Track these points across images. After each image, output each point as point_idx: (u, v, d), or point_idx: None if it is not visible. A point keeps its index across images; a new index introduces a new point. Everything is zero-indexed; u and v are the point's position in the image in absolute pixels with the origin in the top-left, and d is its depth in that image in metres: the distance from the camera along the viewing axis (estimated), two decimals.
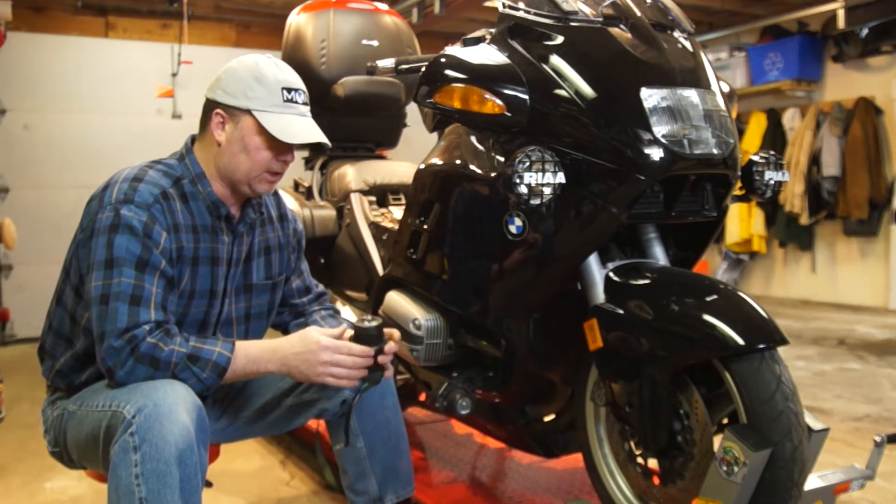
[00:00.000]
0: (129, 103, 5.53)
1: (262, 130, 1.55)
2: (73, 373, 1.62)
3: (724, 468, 1.36)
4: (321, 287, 1.95)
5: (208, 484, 1.86)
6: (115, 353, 1.44)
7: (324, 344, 1.53)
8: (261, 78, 1.57)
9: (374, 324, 1.56)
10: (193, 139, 1.67)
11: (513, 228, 1.65)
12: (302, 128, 1.59)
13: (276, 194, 1.85)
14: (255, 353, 1.54)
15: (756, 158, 1.73)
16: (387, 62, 1.96)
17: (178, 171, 1.61)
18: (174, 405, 1.38)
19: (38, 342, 1.69)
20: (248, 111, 1.56)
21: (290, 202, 2.75)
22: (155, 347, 1.45)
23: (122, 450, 1.38)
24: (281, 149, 1.59)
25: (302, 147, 1.67)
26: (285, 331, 1.88)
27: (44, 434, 1.69)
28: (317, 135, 1.61)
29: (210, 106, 1.60)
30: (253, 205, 1.70)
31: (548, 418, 1.98)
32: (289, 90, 1.58)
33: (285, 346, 1.55)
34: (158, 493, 1.35)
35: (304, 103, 1.62)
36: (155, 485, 1.35)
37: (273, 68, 1.59)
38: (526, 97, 1.64)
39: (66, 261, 1.62)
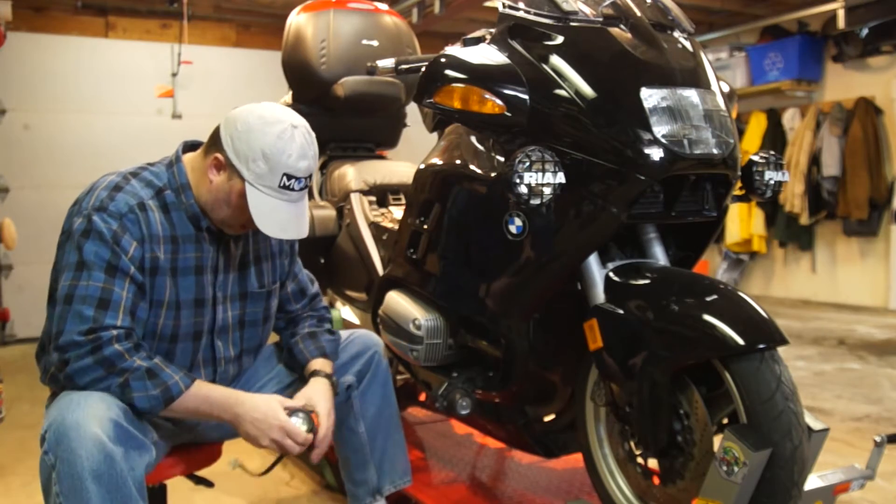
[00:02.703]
0: (129, 103, 5.53)
1: (243, 191, 1.55)
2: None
3: (724, 468, 1.35)
4: (315, 286, 1.96)
5: (209, 484, 1.86)
6: (75, 346, 1.44)
7: (281, 425, 1.56)
8: (269, 156, 1.54)
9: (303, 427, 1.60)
10: (186, 146, 1.67)
11: (513, 228, 1.65)
12: (283, 221, 1.57)
13: None
14: (214, 396, 1.55)
15: (756, 158, 1.73)
16: (387, 62, 1.96)
17: (162, 179, 1.61)
18: (82, 419, 1.37)
19: (38, 345, 1.68)
20: (243, 178, 1.55)
21: None
22: (119, 356, 1.45)
23: (43, 469, 1.39)
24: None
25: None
26: (277, 330, 1.90)
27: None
28: (294, 230, 1.61)
29: (215, 142, 1.59)
30: None
31: (548, 418, 1.98)
32: (290, 177, 1.56)
33: (247, 405, 1.56)
34: None
35: (302, 189, 1.60)
36: (74, 501, 1.34)
37: (286, 149, 1.56)
38: (526, 97, 1.64)
39: (55, 265, 1.63)
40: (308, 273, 1.96)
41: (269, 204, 1.55)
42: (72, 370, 1.44)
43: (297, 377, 1.83)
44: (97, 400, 1.42)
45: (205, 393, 1.54)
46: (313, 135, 1.65)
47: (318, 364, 1.78)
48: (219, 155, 1.57)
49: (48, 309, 1.61)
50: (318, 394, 1.69)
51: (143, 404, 1.47)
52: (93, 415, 1.38)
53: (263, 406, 1.57)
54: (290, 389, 1.81)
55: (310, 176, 1.63)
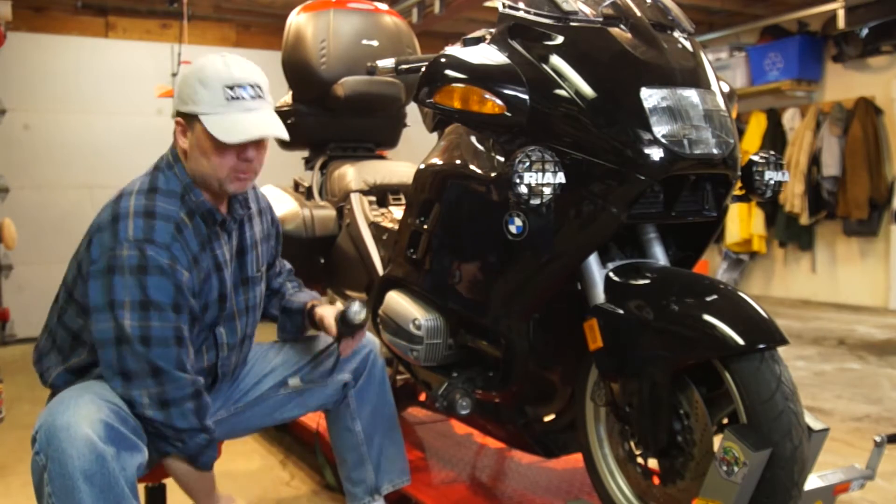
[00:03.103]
0: (129, 103, 5.53)
1: (210, 133, 1.53)
2: (66, 385, 1.61)
3: (724, 468, 1.35)
4: (287, 263, 2.04)
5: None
6: (177, 389, 1.50)
7: None
8: (203, 80, 1.54)
9: (360, 317, 1.78)
10: (175, 156, 1.66)
11: (513, 228, 1.65)
12: (247, 125, 1.53)
13: (253, 188, 1.84)
14: (205, 482, 1.65)
15: (756, 158, 1.73)
16: (387, 62, 1.96)
17: (176, 187, 1.60)
18: (72, 420, 1.38)
19: (35, 350, 1.69)
20: (197, 116, 1.54)
21: (290, 202, 2.75)
22: (206, 414, 1.55)
23: (34, 469, 1.40)
24: (236, 148, 1.55)
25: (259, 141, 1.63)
26: (264, 313, 1.93)
27: None
28: (263, 129, 1.55)
29: (174, 115, 1.61)
30: (239, 200, 1.70)
31: (548, 418, 1.98)
32: (232, 87, 1.53)
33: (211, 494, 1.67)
34: None
35: (255, 97, 1.56)
36: (66, 501, 1.35)
37: (218, 66, 1.55)
38: (526, 97, 1.64)
39: (68, 280, 1.61)
40: None
41: (226, 120, 1.52)
42: (167, 403, 1.50)
43: (301, 364, 1.85)
44: (88, 401, 1.43)
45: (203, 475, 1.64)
46: (247, 61, 1.62)
47: (312, 303, 1.90)
48: (178, 119, 1.58)
49: (57, 328, 1.62)
50: (325, 313, 1.83)
51: (202, 458, 1.59)
52: (84, 415, 1.39)
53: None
54: (297, 376, 1.84)
55: (258, 86, 1.57)
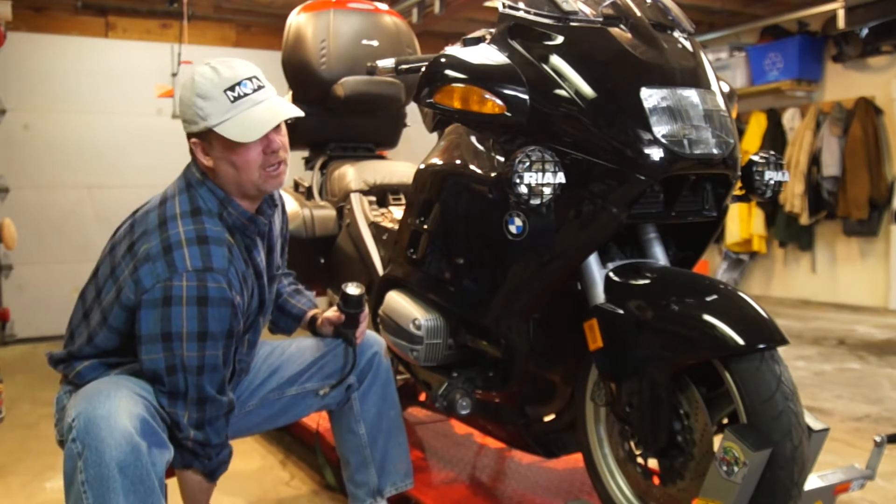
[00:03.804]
0: (129, 103, 5.53)
1: (230, 140, 1.53)
2: (94, 374, 1.61)
3: (724, 468, 1.35)
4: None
5: None
6: (215, 410, 1.55)
7: None
8: (202, 93, 1.53)
9: (357, 291, 1.85)
10: (200, 175, 1.63)
11: (513, 228, 1.65)
12: (262, 117, 1.54)
13: None
14: (207, 494, 1.69)
15: (756, 158, 1.73)
16: (387, 62, 1.96)
17: (213, 206, 1.59)
18: (112, 410, 1.40)
19: (51, 359, 1.69)
20: (210, 130, 1.53)
21: (290, 202, 2.75)
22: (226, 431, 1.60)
23: (68, 456, 1.40)
24: (260, 144, 1.56)
25: (283, 125, 1.63)
26: None
27: (56, 423, 1.69)
28: (278, 114, 1.56)
29: (188, 138, 1.60)
30: (266, 200, 1.70)
31: (548, 418, 1.98)
32: (232, 88, 1.53)
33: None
34: (104, 499, 1.37)
35: (258, 88, 1.56)
36: (99, 490, 1.36)
37: (209, 76, 1.54)
38: (526, 97, 1.64)
39: (104, 304, 1.58)
40: None
41: (239, 122, 1.52)
42: (206, 431, 1.56)
43: (310, 365, 1.87)
44: (127, 394, 1.45)
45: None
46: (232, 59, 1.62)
47: (312, 313, 1.96)
48: (192, 140, 1.58)
49: (78, 342, 1.62)
50: (327, 316, 1.89)
51: (217, 472, 1.64)
52: (123, 407, 1.41)
53: None
54: (301, 378, 1.85)
55: (254, 77, 1.57)
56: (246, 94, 1.53)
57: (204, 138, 1.56)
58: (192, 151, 1.61)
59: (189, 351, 1.49)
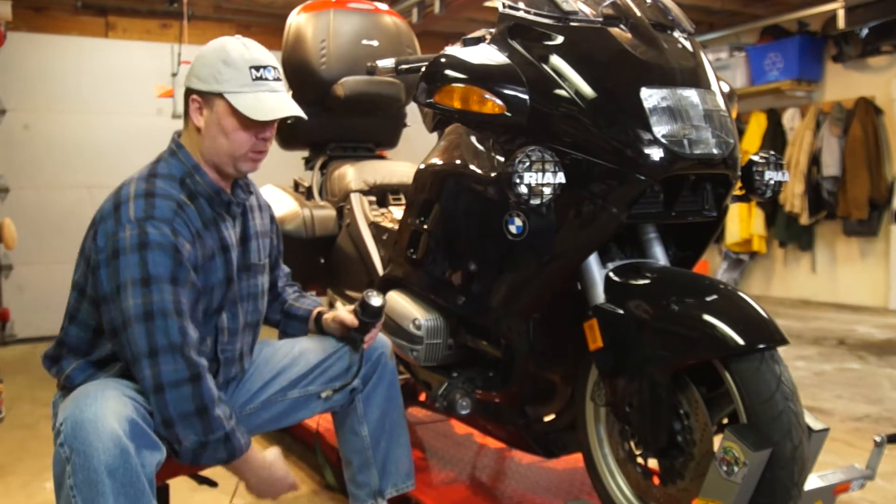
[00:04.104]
0: (129, 103, 5.52)
1: (236, 112, 1.56)
2: (84, 375, 1.61)
3: (724, 468, 1.35)
4: (285, 267, 2.03)
5: (212, 483, 1.86)
6: (173, 372, 1.47)
7: (291, 484, 1.73)
8: (228, 60, 1.57)
9: (378, 302, 1.78)
10: (179, 133, 1.69)
11: (513, 228, 1.65)
12: (273, 104, 1.58)
13: (252, 184, 1.86)
14: (250, 461, 1.64)
15: (756, 158, 1.73)
16: (387, 62, 1.96)
17: (178, 171, 1.61)
18: (99, 413, 1.38)
19: (45, 351, 1.67)
20: (220, 94, 1.57)
21: (290, 202, 2.75)
22: (212, 401, 1.51)
23: (57, 461, 1.39)
24: (257, 127, 1.59)
25: (282, 122, 1.66)
26: (266, 319, 1.93)
27: (52, 428, 1.69)
28: (288, 108, 1.60)
29: (187, 93, 1.63)
30: (241, 185, 1.72)
31: (548, 418, 1.98)
32: (257, 68, 1.58)
33: (261, 470, 1.68)
34: (93, 503, 1.35)
35: (276, 79, 1.61)
36: (88, 495, 1.35)
37: (240, 48, 1.60)
38: (526, 97, 1.64)
39: (77, 280, 1.60)
40: None
41: (251, 98, 1.56)
42: (162, 388, 1.47)
43: (314, 366, 1.86)
44: (114, 396, 1.44)
45: (252, 459, 1.63)
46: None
47: (318, 310, 1.92)
48: (193, 96, 1.60)
49: (70, 328, 1.61)
50: (337, 313, 1.84)
51: (208, 461, 1.57)
52: (111, 410, 1.39)
53: (267, 481, 1.69)
54: (304, 380, 1.84)
55: (276, 67, 1.63)
56: (266, 79, 1.59)
57: (207, 99, 1.59)
58: (185, 109, 1.63)
59: (134, 298, 1.46)
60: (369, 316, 1.80)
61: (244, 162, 1.62)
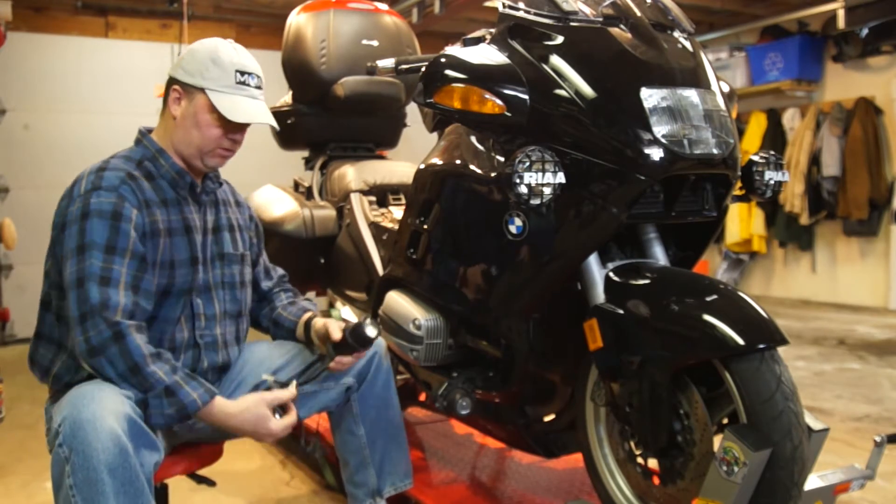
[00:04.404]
0: (129, 103, 5.52)
1: (214, 109, 1.62)
2: (70, 373, 1.62)
3: (724, 468, 1.36)
4: (280, 269, 2.03)
5: (211, 483, 1.87)
6: (97, 335, 1.47)
7: (272, 429, 1.62)
8: (217, 60, 1.65)
9: (373, 333, 1.70)
10: (147, 129, 1.75)
11: (513, 228, 1.65)
12: (250, 109, 1.65)
13: (228, 184, 1.91)
14: (217, 413, 1.57)
15: (756, 158, 1.73)
16: (387, 62, 1.96)
17: (137, 154, 1.69)
18: (98, 413, 1.38)
19: (29, 354, 1.70)
20: (202, 90, 1.63)
21: (289, 202, 2.75)
22: (143, 358, 1.48)
23: (56, 461, 1.39)
24: (230, 127, 1.66)
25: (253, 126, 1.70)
26: (256, 322, 1.94)
27: (46, 433, 1.70)
28: (263, 116, 1.67)
29: (170, 82, 1.69)
30: (210, 177, 1.77)
31: (548, 418, 1.98)
32: (242, 73, 1.66)
33: (243, 414, 1.59)
34: (93, 502, 1.35)
35: (257, 87, 1.69)
36: (88, 494, 1.36)
37: (230, 51, 1.67)
38: (526, 97, 1.64)
39: (46, 265, 1.65)
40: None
41: (231, 100, 1.63)
42: (99, 352, 1.47)
43: (295, 369, 1.84)
44: (111, 395, 1.44)
45: (219, 408, 1.56)
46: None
47: (308, 315, 1.88)
48: (175, 86, 1.67)
49: (41, 312, 1.65)
50: (329, 321, 1.80)
51: (158, 420, 1.50)
52: (109, 409, 1.40)
53: (252, 420, 1.60)
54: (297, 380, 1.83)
55: (261, 78, 1.70)
56: (248, 85, 1.67)
57: (188, 91, 1.65)
58: (165, 97, 1.70)
59: (71, 266, 1.51)
60: (358, 341, 1.71)
61: (211, 157, 1.68)
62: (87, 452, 1.35)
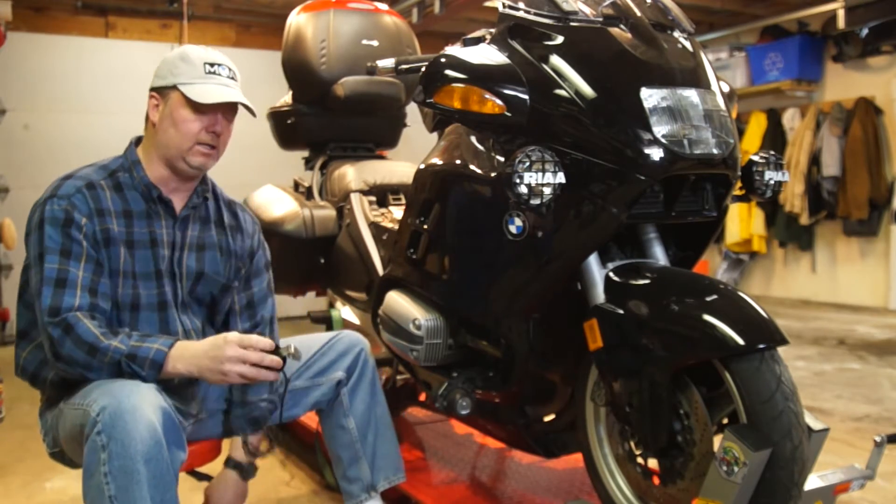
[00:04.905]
0: (129, 103, 5.50)
1: (188, 101, 1.63)
2: (46, 368, 1.65)
3: (724, 468, 1.36)
4: (270, 313, 1.91)
5: (210, 479, 1.87)
6: (48, 333, 1.51)
7: (230, 339, 1.53)
8: (185, 57, 1.67)
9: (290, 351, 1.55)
10: (135, 139, 1.76)
11: (513, 228, 1.65)
12: (219, 92, 1.64)
13: (240, 209, 1.88)
14: (177, 353, 1.54)
15: (756, 158, 1.73)
16: (387, 62, 1.96)
17: (114, 164, 1.71)
18: (138, 403, 1.40)
19: (15, 358, 1.72)
20: (174, 87, 1.64)
21: (289, 202, 2.75)
22: (95, 337, 1.51)
23: (91, 449, 1.40)
24: (207, 117, 1.65)
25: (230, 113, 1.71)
26: None
27: (43, 438, 1.70)
28: (235, 95, 1.66)
29: (149, 95, 1.70)
30: (198, 192, 1.76)
31: (548, 418, 1.98)
32: (211, 65, 1.66)
33: (197, 346, 1.56)
34: (127, 491, 1.37)
35: (230, 77, 1.68)
36: (123, 482, 1.37)
37: (198, 50, 1.69)
38: (526, 97, 1.64)
39: (25, 263, 1.68)
40: (273, 306, 1.92)
41: (201, 87, 1.64)
42: (61, 356, 1.51)
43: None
44: (149, 388, 1.47)
45: (179, 351, 1.54)
46: None
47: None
48: (152, 94, 1.69)
49: (18, 307, 1.70)
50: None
51: (142, 381, 1.51)
52: (148, 401, 1.42)
53: (209, 339, 1.56)
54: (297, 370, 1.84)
55: (233, 71, 1.70)
56: (219, 74, 1.67)
57: (163, 94, 1.67)
58: (146, 118, 1.71)
59: (35, 276, 1.56)
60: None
61: (193, 155, 1.67)
62: (126, 442, 1.37)
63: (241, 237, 1.85)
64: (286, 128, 3.00)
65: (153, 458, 1.38)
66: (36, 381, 1.70)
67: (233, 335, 1.55)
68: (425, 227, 1.98)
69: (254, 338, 1.54)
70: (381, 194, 2.72)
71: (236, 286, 1.84)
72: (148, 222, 1.68)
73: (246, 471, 1.86)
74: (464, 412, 1.88)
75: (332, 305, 2.88)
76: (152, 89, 1.69)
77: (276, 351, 1.55)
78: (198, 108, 1.63)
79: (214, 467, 1.87)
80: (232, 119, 1.72)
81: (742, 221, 6.70)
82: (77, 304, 1.53)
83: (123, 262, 1.63)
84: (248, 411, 1.81)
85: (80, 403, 1.49)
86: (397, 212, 2.58)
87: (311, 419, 2.51)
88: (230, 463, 1.85)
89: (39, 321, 1.54)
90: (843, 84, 6.32)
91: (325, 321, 2.77)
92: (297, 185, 3.07)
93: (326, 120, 2.93)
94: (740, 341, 1.38)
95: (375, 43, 2.92)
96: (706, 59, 1.70)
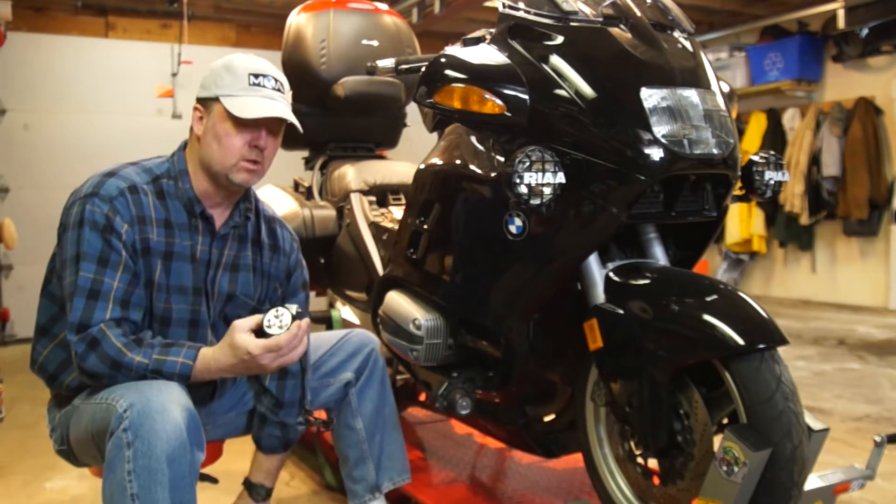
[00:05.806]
0: (129, 103, 5.53)
1: (229, 115, 1.57)
2: (67, 371, 1.62)
3: (724, 468, 1.36)
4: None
5: (214, 480, 1.87)
6: (75, 346, 1.49)
7: (252, 350, 1.49)
8: (230, 67, 1.61)
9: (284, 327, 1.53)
10: (185, 143, 1.70)
11: (513, 228, 1.65)
12: (264, 106, 1.58)
13: (280, 225, 1.83)
14: (202, 366, 1.52)
15: (756, 158, 1.73)
16: (387, 62, 1.96)
17: (160, 169, 1.65)
18: (167, 403, 1.40)
19: (32, 356, 1.68)
20: (217, 98, 1.59)
21: (289, 202, 2.75)
22: (118, 351, 1.48)
23: (115, 445, 1.39)
24: (249, 132, 1.59)
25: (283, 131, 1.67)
26: None
27: (50, 433, 1.70)
28: (278, 110, 1.59)
29: (194, 106, 1.65)
30: (240, 209, 1.71)
31: (548, 418, 1.98)
32: (256, 76, 1.60)
33: (222, 360, 1.52)
34: (149, 490, 1.36)
35: (276, 89, 1.62)
36: (146, 481, 1.36)
37: (244, 59, 1.63)
38: (526, 97, 1.64)
39: (53, 253, 1.65)
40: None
41: (244, 100, 1.58)
42: (83, 366, 1.49)
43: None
44: (175, 387, 1.46)
45: (204, 362, 1.52)
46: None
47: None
48: (196, 106, 1.64)
49: (41, 300, 1.65)
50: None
51: (178, 373, 1.51)
52: (176, 401, 1.42)
53: (230, 351, 1.51)
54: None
55: (280, 82, 1.64)
56: (263, 86, 1.61)
57: (207, 106, 1.62)
58: (192, 119, 1.67)
59: (69, 276, 1.52)
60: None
61: (236, 172, 1.60)
62: (153, 441, 1.36)
63: (278, 257, 1.80)
64: (286, 128, 3.00)
65: (176, 460, 1.38)
66: (53, 382, 1.66)
67: (253, 345, 1.48)
68: (425, 227, 1.98)
69: (272, 341, 1.50)
70: (381, 194, 2.72)
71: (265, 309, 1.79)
72: (189, 235, 1.63)
73: (268, 493, 1.92)
74: (464, 412, 1.88)
75: (332, 305, 2.88)
76: (197, 100, 1.64)
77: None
78: (240, 122, 1.57)
79: (215, 468, 1.87)
80: (278, 133, 1.65)
81: (742, 221, 6.71)
82: (107, 316, 1.50)
83: (158, 275, 1.59)
84: (285, 433, 1.84)
85: (104, 398, 1.47)
86: (397, 212, 2.58)
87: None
88: (253, 489, 1.91)
89: (67, 330, 1.51)
90: (843, 84, 6.31)
91: (325, 321, 2.77)
92: (296, 185, 3.07)
93: (326, 120, 2.93)
94: (740, 341, 1.38)
95: (375, 43, 2.92)
96: (706, 59, 1.70)
